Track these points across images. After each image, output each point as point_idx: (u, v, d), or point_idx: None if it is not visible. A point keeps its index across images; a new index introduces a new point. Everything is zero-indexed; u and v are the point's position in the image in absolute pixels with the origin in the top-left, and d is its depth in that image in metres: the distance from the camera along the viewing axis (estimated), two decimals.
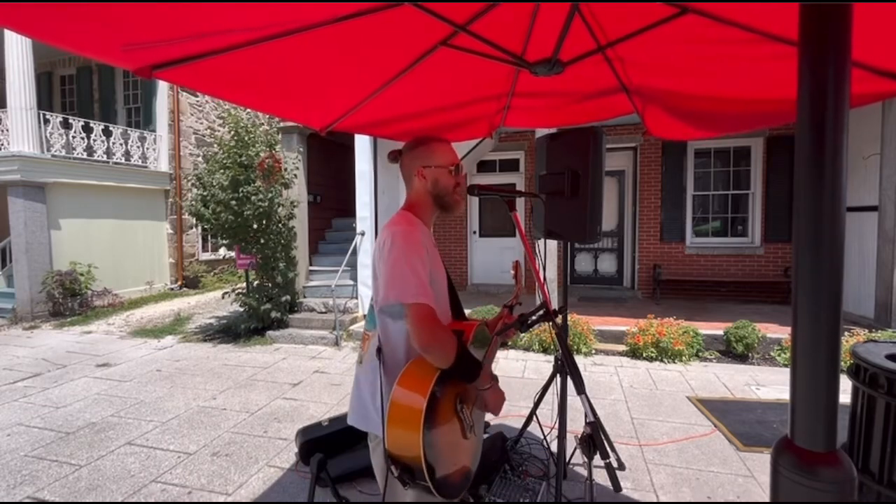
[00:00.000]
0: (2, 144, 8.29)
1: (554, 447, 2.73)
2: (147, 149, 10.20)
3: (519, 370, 4.95)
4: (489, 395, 1.52)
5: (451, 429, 1.40)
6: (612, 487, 1.51)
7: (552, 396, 2.67)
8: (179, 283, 10.67)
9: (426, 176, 1.55)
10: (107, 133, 9.46)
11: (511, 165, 9.12)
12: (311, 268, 7.84)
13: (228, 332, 6.75)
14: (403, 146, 1.63)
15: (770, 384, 4.42)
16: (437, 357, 1.34)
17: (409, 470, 1.30)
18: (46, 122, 8.41)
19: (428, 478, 1.27)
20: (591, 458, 1.59)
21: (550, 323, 1.69)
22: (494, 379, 1.58)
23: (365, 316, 6.85)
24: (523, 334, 5.59)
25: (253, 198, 6.41)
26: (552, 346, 5.42)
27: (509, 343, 5.71)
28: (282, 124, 7.56)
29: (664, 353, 5.14)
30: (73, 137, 8.81)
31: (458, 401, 1.43)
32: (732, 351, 5.21)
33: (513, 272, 1.82)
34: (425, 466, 1.26)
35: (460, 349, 1.36)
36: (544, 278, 1.88)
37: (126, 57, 1.31)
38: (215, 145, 7.12)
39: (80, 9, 1.05)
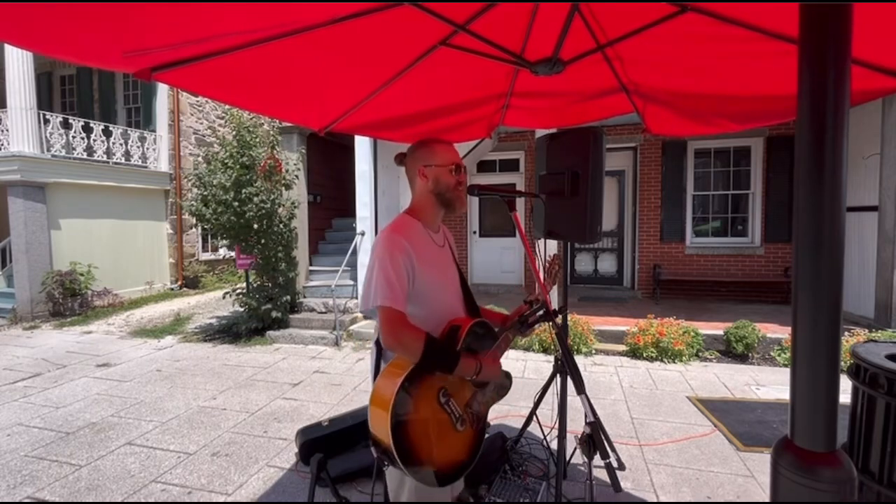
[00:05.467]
0: (2, 144, 8.28)
1: (554, 447, 2.73)
2: (147, 149, 10.20)
3: (519, 370, 4.95)
4: (484, 375, 1.56)
5: (432, 420, 1.44)
6: (612, 487, 1.51)
7: (552, 396, 2.67)
8: (179, 283, 10.66)
9: (427, 175, 1.58)
10: (107, 133, 9.46)
11: (511, 165, 9.12)
12: (311, 268, 7.84)
13: (228, 332, 6.74)
14: (409, 147, 1.66)
15: (770, 384, 4.42)
16: (402, 354, 1.44)
17: (387, 453, 1.36)
18: (46, 122, 8.41)
19: (400, 461, 1.33)
20: (591, 458, 1.60)
21: (550, 323, 1.70)
22: (499, 371, 1.65)
23: (366, 316, 6.86)
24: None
25: (255, 199, 6.41)
26: (552, 346, 5.42)
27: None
28: (282, 125, 7.56)
29: (664, 353, 5.14)
30: (73, 137, 8.81)
31: (440, 393, 1.47)
32: (732, 351, 5.21)
33: (546, 266, 1.81)
34: (395, 449, 1.32)
35: (429, 347, 1.40)
36: (544, 278, 1.88)
37: (126, 61, 1.31)
38: (216, 144, 7.11)
39: (80, 20, 1.06)
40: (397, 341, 1.41)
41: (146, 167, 10.14)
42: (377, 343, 1.57)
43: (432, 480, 1.41)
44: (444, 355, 1.45)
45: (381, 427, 1.36)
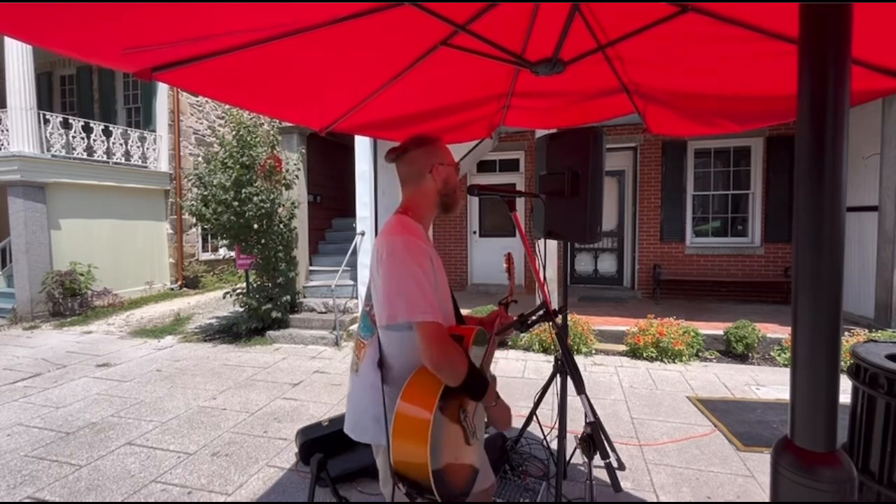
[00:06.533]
0: (2, 144, 8.28)
1: (554, 447, 2.73)
2: (147, 149, 10.20)
3: (519, 370, 4.95)
4: (495, 412, 1.52)
5: (455, 438, 1.37)
6: (612, 487, 1.50)
7: (552, 396, 2.67)
8: (179, 283, 10.66)
9: (439, 174, 1.48)
10: (107, 133, 9.46)
11: (511, 165, 9.12)
12: (311, 268, 7.84)
13: (228, 332, 6.75)
14: (409, 143, 1.53)
15: (770, 384, 4.42)
16: (448, 375, 1.29)
17: (417, 485, 1.28)
18: (46, 122, 8.41)
19: (435, 490, 1.24)
20: (591, 458, 1.59)
21: (550, 323, 1.69)
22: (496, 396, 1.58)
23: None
24: (523, 334, 5.59)
25: (255, 199, 6.41)
26: (552, 346, 5.42)
27: (509, 343, 5.71)
28: (282, 125, 7.56)
29: (664, 353, 5.14)
30: (73, 137, 8.81)
31: (461, 410, 1.40)
32: (732, 351, 5.21)
33: (505, 266, 1.79)
34: (433, 479, 1.23)
35: (470, 367, 1.33)
36: (544, 278, 1.88)
37: (126, 60, 1.31)
38: (216, 144, 7.11)
39: (81, 15, 1.06)
40: (447, 360, 1.28)
41: (146, 167, 10.13)
42: (380, 364, 1.41)
43: (457, 501, 1.34)
44: (482, 379, 1.35)
45: (416, 462, 1.25)
